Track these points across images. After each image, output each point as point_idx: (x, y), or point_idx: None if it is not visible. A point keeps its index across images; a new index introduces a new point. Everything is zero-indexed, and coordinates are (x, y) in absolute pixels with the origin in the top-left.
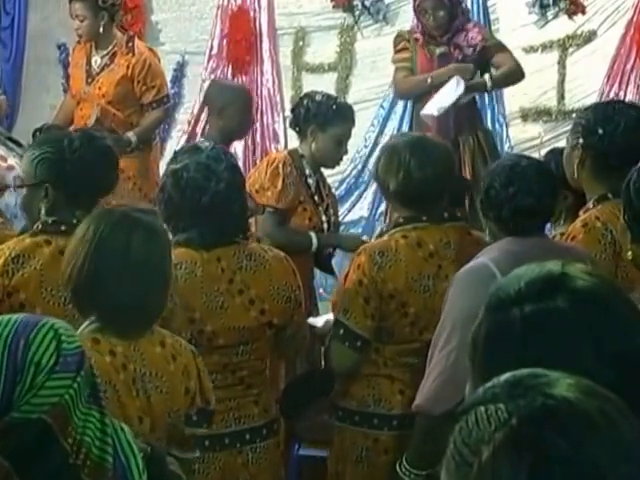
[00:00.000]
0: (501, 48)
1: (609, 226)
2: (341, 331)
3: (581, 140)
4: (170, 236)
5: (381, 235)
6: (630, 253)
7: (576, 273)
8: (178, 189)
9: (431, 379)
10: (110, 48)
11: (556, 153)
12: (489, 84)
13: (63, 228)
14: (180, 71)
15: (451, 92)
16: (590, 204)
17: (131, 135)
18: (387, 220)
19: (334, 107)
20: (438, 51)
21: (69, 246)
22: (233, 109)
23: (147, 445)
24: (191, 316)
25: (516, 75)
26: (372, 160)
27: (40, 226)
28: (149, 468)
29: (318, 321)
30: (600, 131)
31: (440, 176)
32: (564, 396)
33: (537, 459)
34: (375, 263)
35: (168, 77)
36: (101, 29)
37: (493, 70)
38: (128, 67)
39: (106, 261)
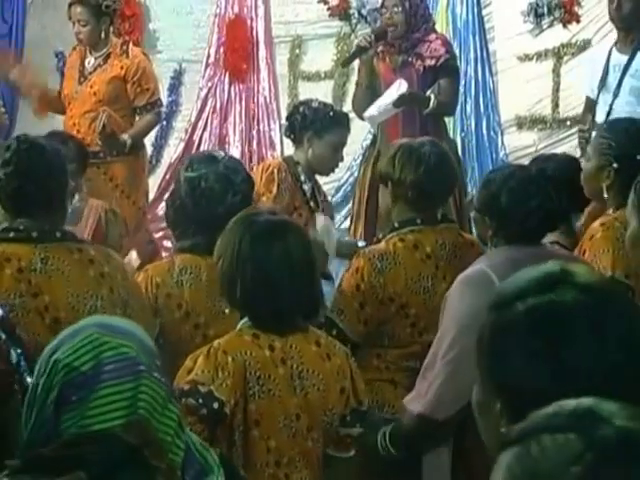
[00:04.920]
0: (451, 74)
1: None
2: (334, 332)
3: (615, 165)
4: (174, 242)
5: (379, 241)
6: None
7: (576, 269)
8: (193, 198)
9: (434, 386)
10: (105, 50)
11: (542, 160)
12: (432, 105)
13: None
14: (177, 79)
15: (392, 93)
16: (610, 210)
17: (126, 137)
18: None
19: (330, 114)
20: (400, 59)
21: (221, 262)
22: None
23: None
24: (196, 321)
25: (451, 108)
26: None
27: None
28: (223, 466)
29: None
30: (639, 157)
31: (451, 178)
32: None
33: None
34: (375, 268)
35: (165, 85)
36: (102, 34)
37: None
38: (122, 68)
39: (269, 272)
